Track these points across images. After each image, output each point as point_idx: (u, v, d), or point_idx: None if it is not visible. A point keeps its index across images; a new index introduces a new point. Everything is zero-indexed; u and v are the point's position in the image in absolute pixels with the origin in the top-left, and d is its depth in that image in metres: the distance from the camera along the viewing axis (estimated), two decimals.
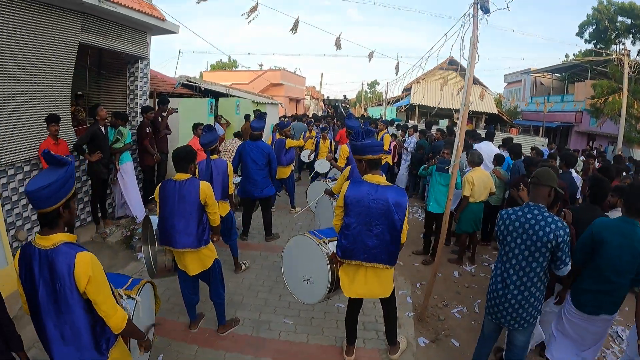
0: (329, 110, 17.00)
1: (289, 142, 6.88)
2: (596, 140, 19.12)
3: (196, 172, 3.40)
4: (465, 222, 5.37)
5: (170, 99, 7.09)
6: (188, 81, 11.54)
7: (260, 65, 25.27)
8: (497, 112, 22.60)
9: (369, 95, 51.09)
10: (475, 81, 25.02)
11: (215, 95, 11.57)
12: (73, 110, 6.27)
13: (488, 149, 7.16)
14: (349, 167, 4.49)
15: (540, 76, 26.33)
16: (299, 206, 7.34)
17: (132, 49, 6.23)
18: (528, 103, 25.32)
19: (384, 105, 16.27)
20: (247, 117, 11.79)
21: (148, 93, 6.94)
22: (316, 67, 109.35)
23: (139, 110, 6.60)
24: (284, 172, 6.86)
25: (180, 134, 7.45)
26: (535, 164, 5.03)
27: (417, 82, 23.53)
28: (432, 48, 4.12)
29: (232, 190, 4.44)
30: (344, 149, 5.53)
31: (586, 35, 19.95)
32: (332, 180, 5.93)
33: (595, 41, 19.57)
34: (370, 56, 6.78)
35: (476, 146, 6.99)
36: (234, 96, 11.97)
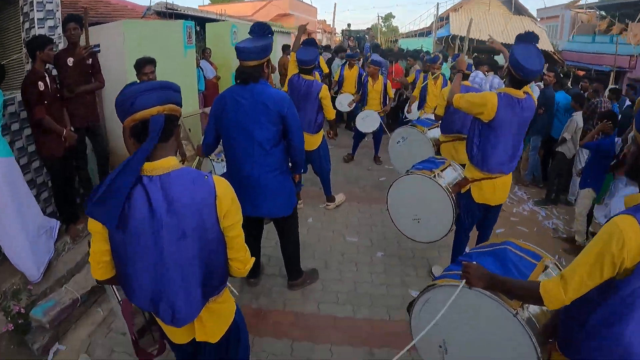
0: (351, 43, 13.56)
1: (325, 93, 3.88)
2: None
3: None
4: None
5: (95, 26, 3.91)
6: (168, 8, 8.12)
7: None
8: (551, 51, 18.23)
9: (384, 29, 46.02)
10: (523, 12, 20.84)
11: (203, 23, 8.31)
12: None
13: None
14: None
15: (582, 12, 21.65)
16: (341, 193, 4.63)
17: None
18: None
19: (433, 33, 12.71)
20: (285, 47, 8.58)
21: (58, 17, 3.73)
22: None
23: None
24: (310, 142, 3.97)
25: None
26: None
27: (455, 10, 19.66)
28: None
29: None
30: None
31: None
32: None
33: None
34: None
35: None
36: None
